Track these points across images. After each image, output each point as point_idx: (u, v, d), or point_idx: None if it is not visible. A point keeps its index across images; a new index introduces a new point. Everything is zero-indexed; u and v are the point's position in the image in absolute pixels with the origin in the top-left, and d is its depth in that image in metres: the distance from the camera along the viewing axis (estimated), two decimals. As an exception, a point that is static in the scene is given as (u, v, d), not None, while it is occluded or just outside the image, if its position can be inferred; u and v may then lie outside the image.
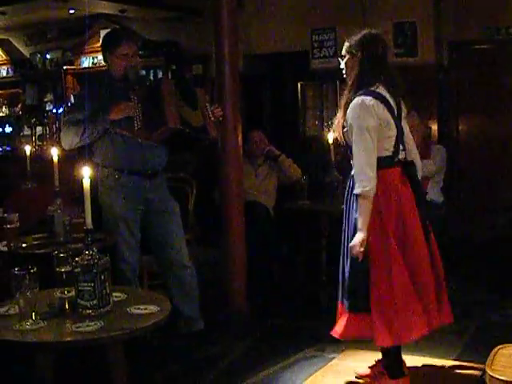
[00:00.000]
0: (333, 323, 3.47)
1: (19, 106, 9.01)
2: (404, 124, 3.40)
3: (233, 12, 4.73)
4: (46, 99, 8.83)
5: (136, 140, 3.91)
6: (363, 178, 3.17)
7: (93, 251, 2.58)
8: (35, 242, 3.78)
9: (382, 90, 3.26)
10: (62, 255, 2.66)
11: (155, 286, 4.33)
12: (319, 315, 4.71)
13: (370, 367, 3.59)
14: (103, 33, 6.96)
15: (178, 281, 4.12)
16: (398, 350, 3.37)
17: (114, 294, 2.68)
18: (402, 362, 3.40)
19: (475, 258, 5.90)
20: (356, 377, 3.61)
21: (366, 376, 3.57)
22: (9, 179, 5.46)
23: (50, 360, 2.47)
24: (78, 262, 2.56)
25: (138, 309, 2.64)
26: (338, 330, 3.40)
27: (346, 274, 3.35)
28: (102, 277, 2.55)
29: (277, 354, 4.00)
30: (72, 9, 7.35)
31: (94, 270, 2.53)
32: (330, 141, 5.08)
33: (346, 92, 3.36)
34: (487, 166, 6.67)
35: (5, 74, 9.15)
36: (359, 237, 3.21)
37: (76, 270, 2.55)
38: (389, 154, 3.28)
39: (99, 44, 7.37)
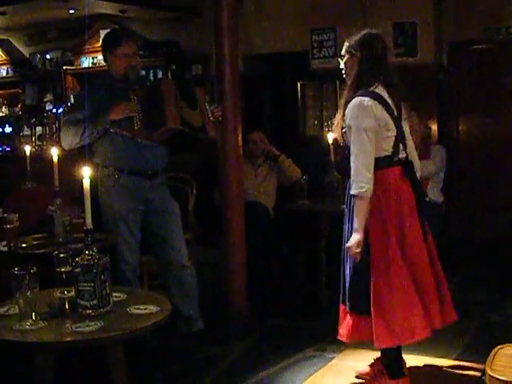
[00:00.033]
0: (333, 323, 3.47)
1: (19, 106, 9.01)
2: (404, 124, 3.39)
3: (233, 12, 4.72)
4: (45, 99, 8.83)
5: (136, 140, 3.91)
6: (360, 179, 3.18)
7: (93, 251, 2.58)
8: (35, 242, 3.78)
9: (380, 90, 3.26)
10: (62, 255, 2.66)
11: (155, 287, 4.33)
12: (319, 315, 4.71)
13: (369, 365, 3.59)
14: (103, 33, 6.96)
15: (177, 281, 4.12)
16: (398, 350, 3.37)
17: (113, 294, 2.68)
18: (402, 362, 3.40)
19: (475, 258, 5.91)
20: (356, 376, 3.61)
21: (366, 374, 3.57)
22: (9, 179, 5.46)
23: (49, 360, 2.47)
24: (78, 262, 2.56)
25: (138, 309, 2.64)
26: (342, 332, 3.41)
27: (347, 276, 3.35)
28: (102, 277, 2.55)
29: (277, 354, 4.00)
30: (72, 9, 7.34)
31: (94, 270, 2.53)
32: (330, 141, 5.07)
33: (345, 92, 3.36)
34: (487, 165, 6.67)
35: (5, 74, 9.14)
36: (355, 237, 3.22)
37: (76, 270, 2.55)
38: (388, 153, 3.28)
39: (99, 44, 7.39)
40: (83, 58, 8.44)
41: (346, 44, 3.38)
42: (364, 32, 3.34)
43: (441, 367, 3.70)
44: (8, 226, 3.72)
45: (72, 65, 8.51)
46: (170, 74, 7.55)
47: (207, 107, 4.00)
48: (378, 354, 3.56)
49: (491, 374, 2.39)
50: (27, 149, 4.99)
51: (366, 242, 3.26)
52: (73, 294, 2.60)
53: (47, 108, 8.60)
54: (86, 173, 2.63)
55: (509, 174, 6.52)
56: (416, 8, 6.45)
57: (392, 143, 3.28)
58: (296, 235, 5.85)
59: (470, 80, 6.65)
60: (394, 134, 3.28)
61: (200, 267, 4.53)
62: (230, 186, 4.77)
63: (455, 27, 6.54)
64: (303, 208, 5.46)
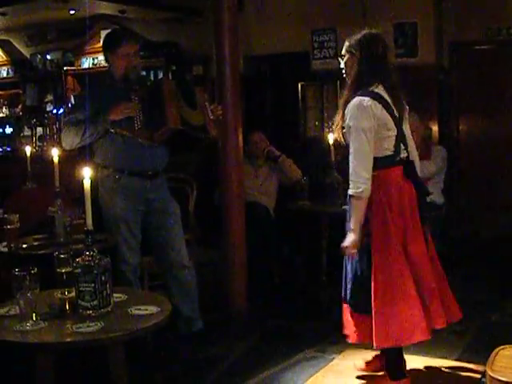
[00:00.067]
0: (333, 324, 3.47)
1: (19, 106, 9.01)
2: (405, 123, 3.39)
3: (233, 13, 4.73)
4: (46, 100, 8.83)
5: (136, 140, 3.91)
6: (357, 180, 3.18)
7: (93, 252, 2.58)
8: (36, 243, 3.78)
9: (380, 90, 3.26)
10: (62, 256, 2.66)
11: (155, 287, 4.33)
12: (319, 316, 4.71)
13: (367, 363, 3.60)
14: (103, 33, 6.97)
15: (177, 281, 4.12)
16: (399, 352, 3.36)
17: (114, 295, 2.68)
18: (404, 363, 3.40)
19: (475, 258, 5.91)
20: (357, 377, 3.60)
21: (366, 369, 3.58)
22: (9, 180, 5.45)
23: (50, 361, 2.47)
24: (78, 263, 2.56)
25: (139, 310, 2.64)
26: (349, 333, 3.43)
27: (350, 276, 3.35)
28: (103, 277, 2.55)
29: (277, 354, 3.99)
30: (72, 9, 7.34)
31: (95, 271, 2.53)
32: (331, 141, 5.08)
33: (344, 92, 3.36)
34: (487, 166, 6.68)
35: (5, 75, 9.14)
36: (351, 238, 3.23)
37: (76, 271, 2.55)
38: (390, 153, 3.28)
39: (99, 45, 7.40)
40: (84, 59, 8.45)
41: (347, 44, 3.38)
42: (364, 32, 3.34)
43: (441, 368, 3.69)
44: (8, 227, 3.72)
45: (72, 65, 8.52)
46: (170, 75, 7.55)
47: (207, 106, 4.00)
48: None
49: (492, 374, 2.39)
50: (28, 149, 4.99)
51: (367, 242, 3.26)
52: (73, 294, 2.60)
53: (48, 109, 8.60)
54: (86, 174, 2.63)
55: (509, 174, 6.53)
56: (416, 8, 6.45)
57: (393, 142, 3.28)
58: (296, 236, 5.85)
59: (471, 80, 6.66)
60: (395, 133, 3.28)
61: (200, 268, 4.53)
62: (230, 186, 4.78)
63: (456, 28, 6.54)
64: (304, 208, 5.47)
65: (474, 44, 6.60)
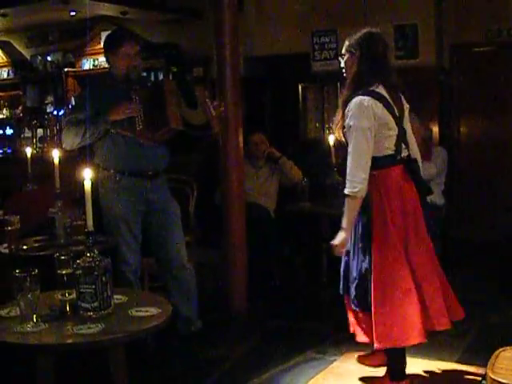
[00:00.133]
0: (334, 325, 3.47)
1: (20, 108, 9.00)
2: (406, 122, 3.39)
3: (233, 14, 4.73)
4: (46, 101, 8.83)
5: (137, 141, 3.90)
6: (354, 179, 3.18)
7: (94, 253, 2.58)
8: (36, 244, 3.78)
9: (381, 90, 3.25)
10: (63, 257, 2.66)
11: (156, 288, 4.32)
12: (320, 316, 4.71)
13: (366, 356, 3.61)
14: (104, 35, 6.95)
15: (177, 281, 4.11)
16: (402, 353, 3.35)
17: (114, 296, 2.68)
18: (405, 365, 3.39)
19: (475, 258, 5.91)
20: (359, 378, 3.60)
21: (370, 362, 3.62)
22: (9, 181, 5.45)
23: (51, 362, 2.48)
24: (79, 264, 2.56)
25: (139, 311, 2.64)
26: (358, 333, 3.44)
27: (354, 274, 3.34)
28: (103, 279, 2.55)
29: (277, 355, 3.99)
30: (73, 11, 7.35)
31: (95, 272, 2.53)
32: (331, 143, 5.08)
33: (344, 91, 3.36)
34: (488, 167, 6.68)
35: (5, 76, 9.14)
36: (341, 236, 3.23)
37: (77, 272, 2.55)
38: (391, 152, 3.27)
39: (100, 46, 7.42)
40: (84, 60, 8.45)
41: (346, 43, 3.38)
42: (364, 31, 3.34)
43: (441, 370, 3.69)
44: (9, 228, 3.72)
45: (73, 67, 8.52)
46: (170, 76, 7.55)
47: (208, 103, 3.98)
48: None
49: (493, 377, 2.38)
50: (28, 151, 5.00)
51: (368, 242, 3.26)
52: (74, 296, 2.60)
53: (48, 110, 8.60)
54: (87, 175, 2.63)
55: (509, 175, 6.53)
56: (417, 10, 6.45)
57: (394, 142, 3.27)
58: (297, 237, 5.85)
59: (471, 82, 6.66)
60: (396, 132, 3.27)
61: (200, 268, 4.53)
62: (230, 186, 4.78)
63: (456, 29, 6.55)
64: (304, 210, 5.47)
65: (474, 45, 6.61)
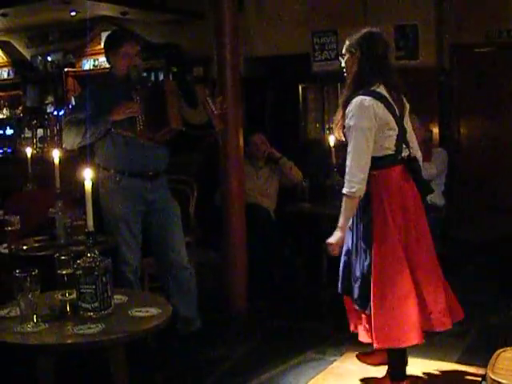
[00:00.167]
0: (334, 325, 3.47)
1: (20, 108, 9.01)
2: (407, 122, 3.39)
3: (234, 14, 4.73)
4: (46, 101, 8.84)
5: (137, 141, 3.90)
6: (352, 179, 3.18)
7: (94, 253, 2.58)
8: (36, 245, 3.78)
9: (382, 90, 3.25)
10: (63, 257, 2.66)
11: (156, 288, 4.32)
12: (320, 317, 4.71)
13: (367, 354, 3.61)
14: (104, 35, 6.95)
15: (176, 282, 4.11)
16: (403, 353, 3.35)
17: (115, 297, 2.68)
18: (405, 366, 3.39)
19: (475, 259, 5.91)
20: (360, 379, 3.60)
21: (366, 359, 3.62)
22: (10, 181, 5.46)
23: (51, 362, 2.48)
24: (79, 265, 2.56)
25: (139, 311, 2.64)
26: (361, 334, 3.45)
27: (357, 274, 3.33)
28: (104, 279, 2.55)
29: (277, 356, 3.99)
30: (73, 11, 7.35)
31: (96, 273, 2.53)
32: (331, 143, 5.08)
33: (344, 91, 3.36)
34: (488, 167, 6.68)
35: (6, 76, 9.14)
36: (337, 235, 3.24)
37: (77, 273, 2.55)
38: (391, 152, 3.27)
39: (100, 46, 7.42)
40: (84, 60, 8.46)
41: (347, 43, 3.38)
42: (365, 31, 3.33)
43: (441, 371, 3.68)
44: (9, 228, 3.72)
45: (73, 67, 8.53)
46: (170, 76, 7.56)
47: (209, 101, 3.98)
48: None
49: (493, 377, 2.38)
50: (28, 151, 5.00)
51: (368, 242, 3.26)
52: (74, 296, 2.60)
53: (48, 110, 8.61)
54: (87, 175, 2.63)
55: (509, 176, 6.53)
56: (417, 11, 6.45)
57: (394, 142, 3.27)
58: (297, 237, 5.85)
59: (471, 83, 6.66)
60: (396, 132, 3.27)
61: (201, 268, 4.53)
62: (230, 186, 4.78)
63: (456, 30, 6.55)
64: (304, 210, 5.47)
65: (474, 46, 6.61)
